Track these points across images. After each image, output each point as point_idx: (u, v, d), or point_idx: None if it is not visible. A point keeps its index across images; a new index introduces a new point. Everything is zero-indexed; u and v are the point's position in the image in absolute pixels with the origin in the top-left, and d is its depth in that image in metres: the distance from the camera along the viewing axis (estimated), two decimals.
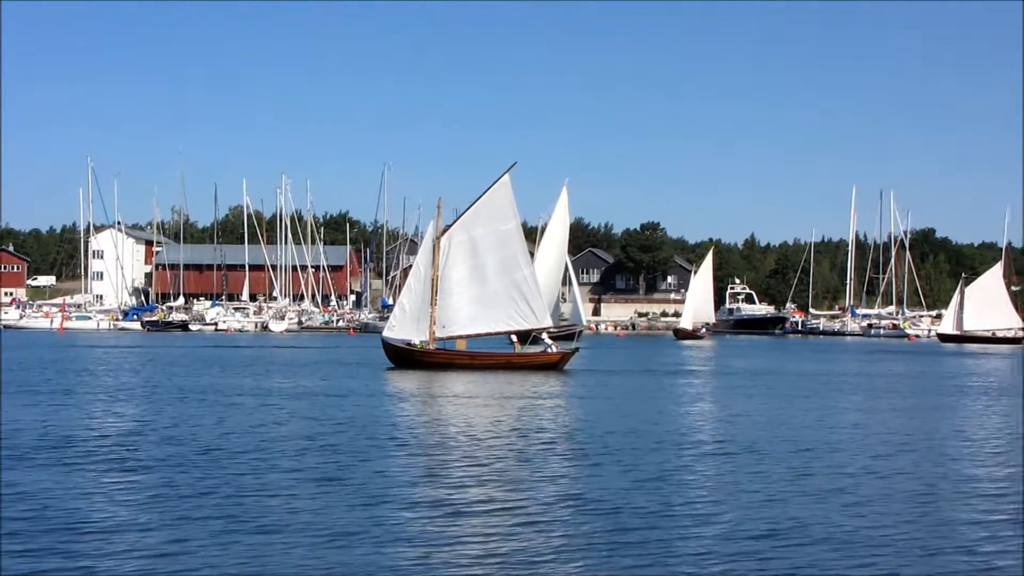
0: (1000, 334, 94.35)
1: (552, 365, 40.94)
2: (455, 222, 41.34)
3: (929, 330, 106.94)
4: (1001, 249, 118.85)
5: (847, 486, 15.45)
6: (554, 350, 42.01)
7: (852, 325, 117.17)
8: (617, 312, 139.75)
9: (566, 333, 55.15)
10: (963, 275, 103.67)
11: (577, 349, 43.77)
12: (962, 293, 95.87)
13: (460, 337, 41.74)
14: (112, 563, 10.58)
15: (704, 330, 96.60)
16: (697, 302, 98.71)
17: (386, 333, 42.52)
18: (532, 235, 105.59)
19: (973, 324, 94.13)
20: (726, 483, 15.62)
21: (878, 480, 16.11)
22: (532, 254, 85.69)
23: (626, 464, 17.19)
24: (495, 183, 41.27)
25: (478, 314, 40.95)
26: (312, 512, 12.98)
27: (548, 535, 11.95)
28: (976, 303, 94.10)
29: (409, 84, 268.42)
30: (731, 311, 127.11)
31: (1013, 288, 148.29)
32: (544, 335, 43.00)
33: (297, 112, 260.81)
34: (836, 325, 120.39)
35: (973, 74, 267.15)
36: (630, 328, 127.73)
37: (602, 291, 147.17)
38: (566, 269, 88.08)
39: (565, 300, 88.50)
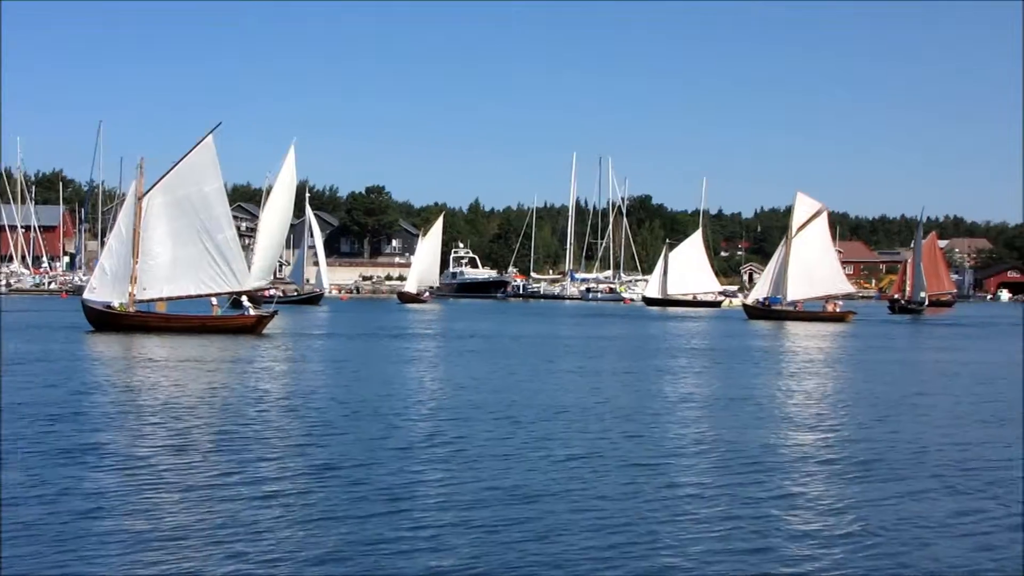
0: (701, 297, 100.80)
1: (248, 328, 41.08)
2: (157, 183, 40.72)
3: (642, 294, 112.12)
4: (709, 216, 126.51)
5: (592, 450, 15.70)
6: (251, 313, 42.23)
7: (571, 289, 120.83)
8: (341, 275, 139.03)
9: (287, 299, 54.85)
10: (667, 241, 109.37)
11: (275, 313, 43.84)
12: (666, 259, 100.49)
13: (160, 300, 41.27)
14: None
15: (428, 294, 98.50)
16: (423, 266, 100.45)
17: (87, 295, 41.76)
18: (257, 197, 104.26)
19: (676, 288, 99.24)
20: (468, 449, 15.62)
21: (627, 440, 16.62)
22: (257, 216, 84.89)
23: (365, 433, 16.92)
24: (198, 144, 40.86)
25: (178, 276, 40.61)
26: (45, 489, 12.36)
27: (291, 507, 11.76)
28: (679, 268, 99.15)
29: (125, 34, 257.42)
30: (455, 275, 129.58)
31: (723, 253, 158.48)
32: (244, 299, 43.02)
33: (5, 65, 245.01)
34: (556, 289, 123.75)
35: (685, 44, 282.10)
36: (354, 292, 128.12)
37: (326, 254, 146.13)
38: (310, 231, 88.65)
39: (316, 264, 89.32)
